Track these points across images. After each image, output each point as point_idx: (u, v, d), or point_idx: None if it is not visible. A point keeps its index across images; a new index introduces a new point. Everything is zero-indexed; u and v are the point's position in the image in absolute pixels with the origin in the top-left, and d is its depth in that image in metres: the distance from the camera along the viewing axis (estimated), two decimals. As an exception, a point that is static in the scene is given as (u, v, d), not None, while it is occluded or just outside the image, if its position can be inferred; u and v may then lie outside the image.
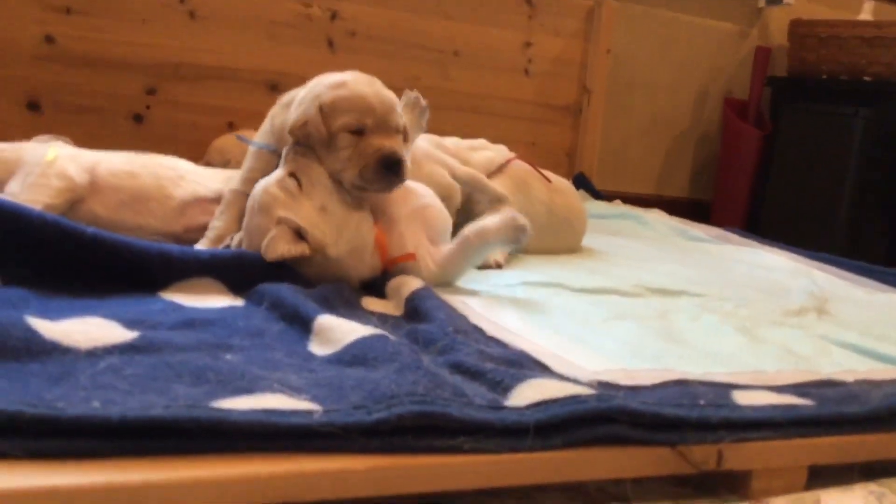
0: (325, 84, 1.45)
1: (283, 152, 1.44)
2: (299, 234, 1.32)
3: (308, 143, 1.42)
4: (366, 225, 1.41)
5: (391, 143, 1.41)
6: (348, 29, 2.70)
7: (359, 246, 1.39)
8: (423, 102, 1.65)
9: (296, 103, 1.47)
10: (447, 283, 1.48)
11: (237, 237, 1.44)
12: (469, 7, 2.89)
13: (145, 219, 1.59)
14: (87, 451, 0.71)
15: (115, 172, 1.61)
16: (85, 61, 2.38)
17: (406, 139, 1.51)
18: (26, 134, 1.84)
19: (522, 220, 1.45)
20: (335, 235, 1.34)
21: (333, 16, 2.67)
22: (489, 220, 1.47)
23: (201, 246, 1.51)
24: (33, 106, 2.35)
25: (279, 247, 1.29)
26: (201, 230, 1.57)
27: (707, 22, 3.44)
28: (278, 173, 1.39)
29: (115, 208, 1.58)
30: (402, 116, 1.48)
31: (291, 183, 1.36)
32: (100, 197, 1.59)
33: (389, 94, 1.47)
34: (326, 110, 1.41)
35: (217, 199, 1.60)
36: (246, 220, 1.39)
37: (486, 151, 2.00)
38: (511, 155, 2.02)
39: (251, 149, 1.58)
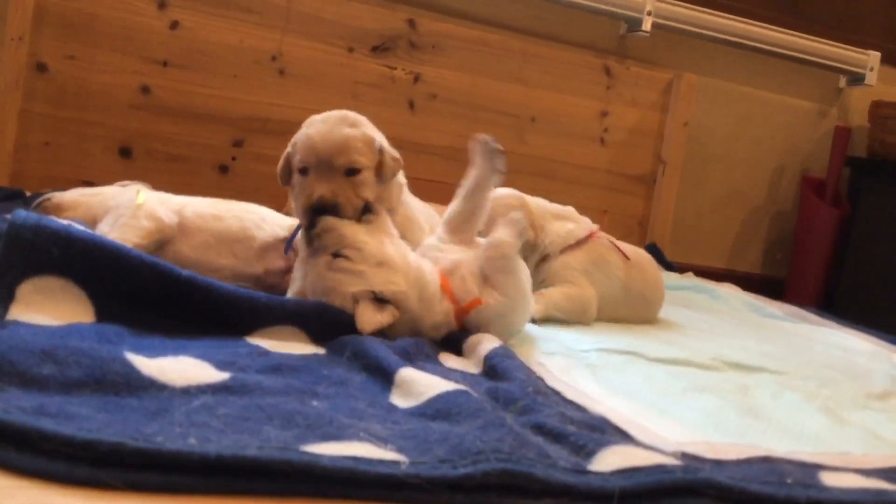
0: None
1: (302, 233, 1.45)
2: (377, 298, 1.32)
3: (284, 183, 1.50)
4: (425, 270, 1.40)
5: (326, 187, 1.41)
6: (429, 92, 2.77)
7: (425, 292, 1.38)
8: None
9: None
10: (518, 329, 1.49)
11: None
12: (548, 75, 2.93)
13: (229, 259, 1.63)
14: (181, 486, 0.73)
15: (202, 215, 1.66)
16: (177, 112, 2.48)
17: (381, 175, 1.48)
18: (117, 179, 1.91)
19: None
20: (404, 282, 1.35)
21: (416, 78, 2.74)
22: (498, 232, 1.44)
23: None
24: (125, 152, 2.44)
25: (371, 320, 1.28)
26: (279, 273, 1.61)
27: (786, 99, 3.42)
28: (326, 258, 1.37)
29: (201, 249, 1.63)
30: (364, 155, 1.45)
31: (341, 262, 1.35)
32: (187, 238, 1.63)
33: (343, 133, 1.44)
34: (291, 151, 1.48)
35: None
36: (322, 298, 1.37)
37: (568, 224, 1.95)
38: (593, 228, 1.97)
39: None
